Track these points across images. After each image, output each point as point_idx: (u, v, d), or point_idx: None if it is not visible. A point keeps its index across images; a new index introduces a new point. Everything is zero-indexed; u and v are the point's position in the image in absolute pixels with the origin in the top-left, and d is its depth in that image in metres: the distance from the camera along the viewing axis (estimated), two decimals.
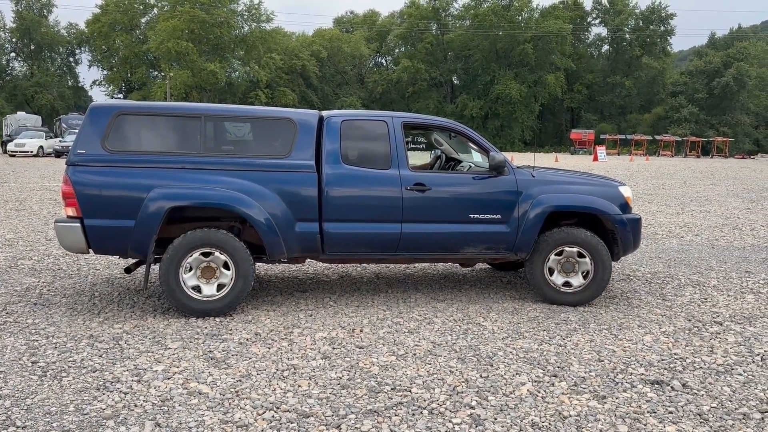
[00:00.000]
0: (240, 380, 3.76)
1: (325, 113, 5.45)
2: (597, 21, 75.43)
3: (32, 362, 3.97)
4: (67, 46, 71.18)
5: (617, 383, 3.83)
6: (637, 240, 5.65)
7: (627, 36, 72.66)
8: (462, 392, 3.65)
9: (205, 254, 4.93)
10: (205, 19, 58.19)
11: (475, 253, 5.48)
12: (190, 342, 4.42)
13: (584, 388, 3.74)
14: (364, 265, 7.09)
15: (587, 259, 5.45)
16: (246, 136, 5.28)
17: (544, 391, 3.69)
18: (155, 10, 65.66)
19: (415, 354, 4.26)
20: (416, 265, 7.14)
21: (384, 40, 76.79)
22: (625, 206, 5.59)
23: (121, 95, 68.19)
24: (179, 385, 3.68)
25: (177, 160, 4.94)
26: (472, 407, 3.45)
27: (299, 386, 3.69)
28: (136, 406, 3.39)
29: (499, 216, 5.37)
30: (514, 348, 4.41)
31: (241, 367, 3.97)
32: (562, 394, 3.65)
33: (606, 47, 77.04)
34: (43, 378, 3.73)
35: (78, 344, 4.31)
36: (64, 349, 4.23)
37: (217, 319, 4.95)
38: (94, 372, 3.83)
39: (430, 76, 70.31)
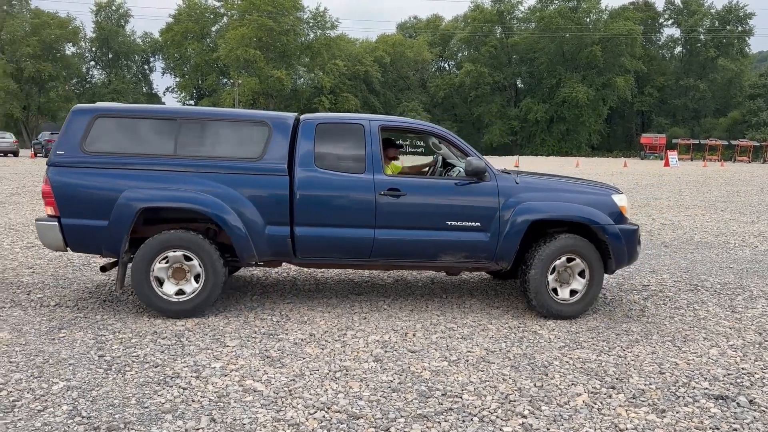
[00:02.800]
0: (293, 379, 3.83)
1: (303, 116, 5.40)
2: (669, 22, 72.84)
3: (99, 356, 4.18)
4: (142, 55, 74.68)
5: (678, 397, 3.67)
6: (632, 253, 5.28)
7: (701, 37, 69.78)
8: (514, 401, 3.59)
9: (185, 257, 5.00)
10: (272, 27, 59.73)
11: (453, 261, 5.25)
12: (248, 341, 4.54)
13: (643, 401, 3.60)
14: (418, 271, 7.07)
15: (584, 269, 5.19)
16: (221, 138, 5.19)
17: (601, 402, 3.59)
18: (225, 18, 67.90)
19: (467, 360, 4.22)
20: (471, 272, 7.06)
21: (447, 44, 76.65)
22: (619, 216, 5.22)
23: (192, 102, 70.87)
24: (235, 382, 3.78)
25: (151, 162, 5.01)
26: (524, 416, 3.39)
27: (350, 388, 3.73)
28: (193, 401, 3.51)
29: (478, 224, 5.12)
30: (570, 358, 4.30)
31: (295, 366, 4.05)
32: (620, 406, 3.53)
33: (679, 49, 74.28)
34: (108, 371, 3.92)
35: (142, 340, 4.50)
36: (129, 344, 4.42)
37: (274, 319, 5.06)
38: (155, 367, 3.99)
39: (493, 79, 69.64)
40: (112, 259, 5.52)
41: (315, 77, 64.94)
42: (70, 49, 70.03)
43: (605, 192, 5.40)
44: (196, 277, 5.04)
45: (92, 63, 73.99)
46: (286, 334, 4.71)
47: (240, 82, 58.86)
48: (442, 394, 3.65)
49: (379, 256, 5.16)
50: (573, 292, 5.21)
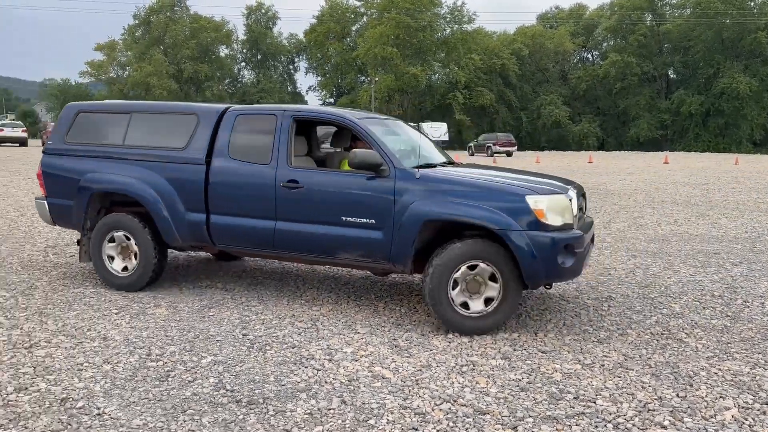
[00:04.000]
0: (420, 369, 3.88)
1: (230, 107, 5.54)
2: None
3: (243, 335, 4.50)
4: (288, 55, 78.83)
5: None
6: (551, 266, 4.36)
7: None
8: (654, 410, 3.36)
9: (125, 237, 5.58)
10: (409, 24, 60.45)
11: (351, 260, 4.94)
12: (377, 329, 4.66)
13: None
14: None
15: (496, 279, 4.50)
16: (159, 129, 5.62)
17: (753, 419, 3.26)
18: (365, 18, 69.80)
19: (603, 365, 4.02)
20: (611, 272, 6.71)
21: (591, 34, 72.97)
22: (533, 221, 4.34)
23: (332, 100, 73.75)
24: (365, 367, 3.90)
25: (106, 151, 5.69)
26: (664, 427, 3.17)
27: (477, 383, 3.69)
28: (326, 382, 3.67)
29: (373, 221, 4.72)
30: (720, 369, 3.94)
31: (422, 357, 4.09)
32: None
33: None
34: (251, 349, 4.20)
35: (281, 322, 4.78)
36: (269, 325, 4.72)
37: (403, 310, 5.14)
38: (292, 348, 4.22)
39: (641, 70, 65.24)
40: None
41: (450, 72, 64.80)
42: (223, 51, 75.84)
43: (520, 192, 4.49)
44: (137, 255, 5.56)
45: (243, 64, 79.46)
46: (414, 325, 4.77)
47: (377, 79, 60.29)
48: (574, 398, 3.51)
49: (281, 248, 5.15)
50: (489, 302, 4.55)
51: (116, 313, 4.93)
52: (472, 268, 4.50)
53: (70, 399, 3.37)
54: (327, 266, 6.73)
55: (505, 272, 4.46)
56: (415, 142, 5.55)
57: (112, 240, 5.63)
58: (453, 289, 4.52)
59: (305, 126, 5.61)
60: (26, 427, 3.06)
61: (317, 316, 4.96)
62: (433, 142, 6.41)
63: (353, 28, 71.24)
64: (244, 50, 78.12)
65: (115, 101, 6.41)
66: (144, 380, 3.66)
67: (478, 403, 3.42)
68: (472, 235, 4.59)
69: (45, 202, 5.98)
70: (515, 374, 3.84)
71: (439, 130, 52.97)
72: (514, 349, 4.27)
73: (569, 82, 70.52)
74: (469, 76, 62.60)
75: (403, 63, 60.73)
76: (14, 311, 4.92)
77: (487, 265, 4.48)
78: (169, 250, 6.02)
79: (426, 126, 53.18)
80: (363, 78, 69.64)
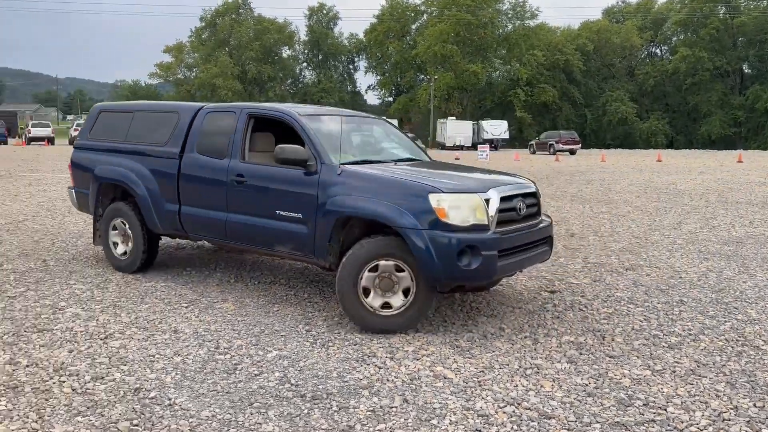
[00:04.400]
0: (483, 371, 3.84)
1: (206, 106, 5.94)
2: None
3: (306, 330, 4.57)
4: (348, 55, 79.55)
5: None
6: (451, 267, 4.18)
7: None
8: (729, 419, 3.21)
9: (122, 223, 6.15)
10: (470, 21, 59.90)
11: (286, 253, 5.15)
12: (439, 329, 4.64)
13: None
14: (621, 269, 6.64)
15: (406, 275, 4.41)
16: (150, 126, 6.14)
17: None
18: (425, 16, 69.66)
19: (674, 371, 3.87)
20: (682, 276, 6.45)
21: (660, 28, 70.33)
22: (432, 220, 4.21)
23: (391, 98, 73.99)
24: (426, 367, 3.89)
25: (113, 146, 6.32)
26: None
27: (542, 386, 3.63)
28: (388, 380, 3.68)
29: (300, 215, 4.86)
30: None
31: (484, 358, 4.04)
32: None
33: None
34: (314, 345, 4.27)
35: (343, 319, 4.83)
36: (331, 322, 4.78)
37: (465, 311, 5.10)
38: (354, 345, 4.26)
39: (714, 65, 62.40)
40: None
41: (511, 69, 63.84)
42: (286, 52, 77.26)
43: (423, 189, 4.37)
44: (132, 241, 6.14)
45: (304, 64, 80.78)
46: (476, 326, 4.73)
47: (436, 77, 60.06)
48: (644, 404, 3.39)
49: (232, 239, 5.44)
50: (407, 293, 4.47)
51: (186, 307, 5.10)
52: (374, 269, 4.45)
53: (143, 389, 3.52)
54: None
55: (414, 269, 4.38)
56: (377, 139, 6.07)
57: (114, 227, 6.27)
58: (365, 292, 4.48)
59: (266, 123, 5.67)
60: (102, 415, 3.20)
61: None
62: (411, 138, 6.93)
63: (413, 27, 71.22)
64: (306, 51, 79.37)
65: (127, 102, 7.19)
66: (213, 372, 3.77)
67: (543, 407, 3.36)
68: (387, 232, 4.52)
69: (73, 191, 6.86)
70: (581, 379, 3.74)
71: (498, 128, 52.31)
72: (581, 353, 4.17)
73: (636, 78, 68.20)
74: (531, 72, 61.48)
75: (463, 61, 60.25)
76: (90, 303, 5.16)
77: (394, 261, 4.42)
78: (233, 251, 6.18)
79: (485, 124, 52.65)
80: (422, 76, 69.51)
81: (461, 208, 4.31)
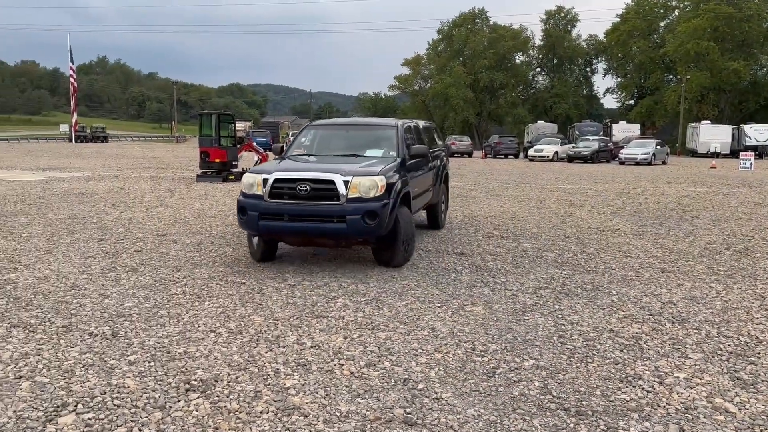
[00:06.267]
0: None
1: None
2: None
3: (561, 343, 4.47)
4: (585, 58, 76.16)
5: None
6: None
7: None
8: None
9: None
10: (731, 15, 53.31)
11: None
12: (713, 356, 4.20)
13: None
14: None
15: None
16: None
17: None
18: (676, 12, 63.80)
19: None
20: None
21: None
22: None
23: (632, 101, 69.07)
24: (702, 397, 3.55)
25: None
26: None
27: None
28: (659, 406, 3.43)
29: None
30: None
31: None
32: None
33: None
34: (571, 359, 4.15)
35: (600, 335, 4.62)
36: (587, 337, 4.60)
37: (742, 339, 4.54)
38: (616, 364, 4.05)
39: None
40: None
41: None
42: (519, 58, 76.71)
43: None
44: None
45: (537, 69, 79.30)
46: (758, 357, 4.18)
47: (688, 77, 54.49)
48: None
49: None
50: None
51: (439, 307, 5.34)
52: None
53: (411, 380, 3.76)
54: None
55: None
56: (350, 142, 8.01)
57: None
58: None
59: None
60: (378, 399, 3.49)
61: (638, 333, 4.68)
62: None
63: (661, 24, 65.65)
64: (540, 56, 77.93)
65: (323, 120, 9.44)
66: (472, 373, 3.89)
67: None
68: None
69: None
70: None
71: (765, 133, 45.60)
72: None
73: None
74: None
75: (722, 58, 53.78)
76: (356, 296, 5.67)
77: None
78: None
79: (748, 129, 46.27)
80: (671, 77, 63.74)
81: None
